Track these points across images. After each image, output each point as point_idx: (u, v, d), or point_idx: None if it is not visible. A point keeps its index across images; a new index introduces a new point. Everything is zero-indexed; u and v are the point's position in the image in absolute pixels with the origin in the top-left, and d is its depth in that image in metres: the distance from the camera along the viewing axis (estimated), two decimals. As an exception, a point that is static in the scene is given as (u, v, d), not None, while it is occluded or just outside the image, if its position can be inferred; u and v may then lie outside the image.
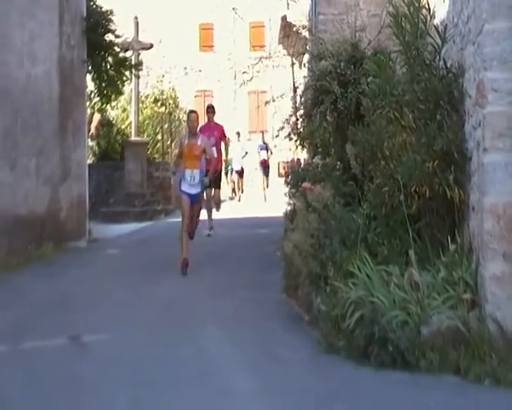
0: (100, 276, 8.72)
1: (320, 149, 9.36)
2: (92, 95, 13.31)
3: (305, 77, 10.96)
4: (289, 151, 17.71)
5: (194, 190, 8.63)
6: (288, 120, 9.34)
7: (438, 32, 5.98)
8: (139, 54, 16.37)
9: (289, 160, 17.51)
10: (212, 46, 30.46)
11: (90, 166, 13.45)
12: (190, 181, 8.58)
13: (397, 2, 6.15)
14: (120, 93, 13.92)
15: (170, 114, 20.14)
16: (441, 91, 5.77)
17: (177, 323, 6.28)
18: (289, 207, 10.10)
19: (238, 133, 21.79)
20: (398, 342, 4.75)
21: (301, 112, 9.16)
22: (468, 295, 5.01)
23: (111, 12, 12.55)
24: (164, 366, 5.06)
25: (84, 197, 11.93)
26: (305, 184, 8.61)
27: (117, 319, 6.48)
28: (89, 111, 14.54)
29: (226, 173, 20.07)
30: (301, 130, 9.15)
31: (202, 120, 11.44)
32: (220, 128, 11.85)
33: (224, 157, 12.76)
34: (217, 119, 12.28)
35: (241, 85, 20.47)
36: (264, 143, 21.77)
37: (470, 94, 5.42)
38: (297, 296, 6.85)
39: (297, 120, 9.27)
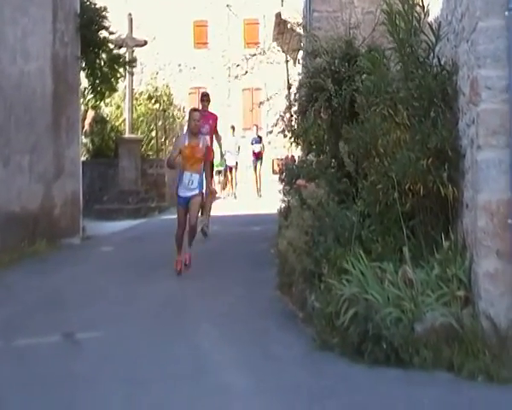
0: (94, 273, 8.70)
1: (314, 147, 9.37)
2: (86, 92, 13.25)
3: (299, 74, 10.96)
4: (283, 148, 17.70)
5: (190, 193, 8.10)
6: (282, 117, 9.34)
7: (432, 29, 5.99)
8: (133, 51, 16.31)
9: (283, 157, 17.54)
10: (206, 43, 30.41)
11: (83, 163, 13.39)
12: (188, 185, 8.04)
13: (391, -1, 6.15)
14: (114, 90, 13.87)
15: (164, 111, 20.10)
16: (435, 89, 5.78)
17: (172, 320, 6.28)
18: (283, 205, 10.11)
19: (233, 127, 21.43)
20: (392, 339, 4.76)
21: (295, 109, 9.16)
22: (461, 293, 5.02)
23: (105, 9, 12.50)
24: (158, 363, 5.06)
25: (78, 194, 11.89)
26: (300, 182, 8.63)
27: (111, 316, 6.47)
28: (82, 108, 14.46)
29: (220, 171, 19.93)
30: (295, 127, 9.14)
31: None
32: (215, 118, 11.18)
33: (218, 155, 11.84)
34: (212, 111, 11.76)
35: (236, 78, 20.29)
36: (259, 136, 21.61)
37: (464, 91, 5.43)
38: (291, 294, 6.86)
39: (291, 117, 9.27)
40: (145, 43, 17.35)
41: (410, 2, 6.00)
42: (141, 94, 20.52)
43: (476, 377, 4.51)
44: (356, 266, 5.49)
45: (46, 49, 10.83)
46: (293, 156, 14.38)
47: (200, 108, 10.92)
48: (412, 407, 4.22)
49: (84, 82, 13.00)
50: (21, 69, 10.02)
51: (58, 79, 11.14)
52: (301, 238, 6.81)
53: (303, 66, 10.64)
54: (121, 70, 13.38)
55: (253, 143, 21.37)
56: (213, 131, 10.93)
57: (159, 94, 21.08)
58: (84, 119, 16.54)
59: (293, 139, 9.39)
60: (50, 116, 10.91)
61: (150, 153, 18.99)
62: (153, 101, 20.42)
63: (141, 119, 18.99)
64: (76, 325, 6.06)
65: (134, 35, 16.86)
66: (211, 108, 11.26)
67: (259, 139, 21.29)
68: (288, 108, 9.43)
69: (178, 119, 21.42)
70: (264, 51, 21.88)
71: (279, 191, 10.85)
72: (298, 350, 5.28)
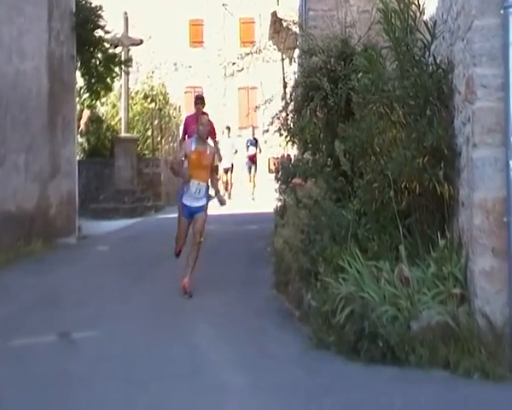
0: (90, 273, 8.69)
1: (310, 145, 9.35)
2: (81, 91, 13.24)
3: (295, 73, 10.95)
4: (279, 147, 17.66)
5: (197, 203, 7.35)
6: (277, 116, 9.33)
7: (427, 28, 6.00)
8: (129, 50, 16.29)
9: (279, 156, 17.51)
10: (201, 42, 30.41)
11: (79, 162, 13.38)
12: (195, 193, 7.31)
13: (387, -2, 6.15)
14: (110, 89, 13.86)
15: (160, 110, 20.07)
16: (431, 87, 5.79)
17: (168, 320, 6.28)
18: (279, 203, 10.10)
19: (228, 128, 20.95)
20: (388, 337, 4.77)
21: (291, 108, 9.16)
22: (457, 290, 5.04)
23: (100, 8, 12.48)
24: (155, 362, 5.06)
25: (74, 194, 11.87)
26: (296, 180, 8.63)
27: (107, 315, 6.47)
28: (78, 107, 14.46)
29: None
30: (291, 126, 9.14)
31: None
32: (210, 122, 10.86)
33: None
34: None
35: (231, 75, 20.13)
36: (254, 138, 21.35)
37: (459, 90, 5.44)
38: (287, 292, 6.86)
39: (287, 115, 9.26)
40: (141, 42, 17.34)
41: (406, 0, 6.01)
42: (137, 93, 20.49)
43: (472, 375, 4.53)
44: (352, 264, 5.49)
45: (42, 48, 10.81)
46: (289, 155, 14.37)
47: (194, 111, 10.11)
48: (408, 404, 4.23)
49: (80, 81, 12.97)
50: (17, 68, 10.00)
51: (54, 78, 11.11)
52: (297, 237, 6.81)
53: (299, 65, 10.62)
54: (117, 69, 13.37)
55: (248, 146, 20.82)
56: (210, 137, 10.16)
57: (154, 93, 21.04)
58: (80, 118, 16.52)
59: (289, 138, 9.38)
60: (46, 115, 10.89)
61: (146, 152, 18.97)
62: (148, 100, 20.38)
63: (137, 118, 18.96)
64: (72, 325, 6.06)
65: (130, 34, 16.84)
66: (207, 112, 10.70)
67: (255, 142, 20.92)
68: (284, 106, 9.42)
69: (174, 118, 21.39)
70: (259, 50, 21.81)
71: (275, 190, 10.84)
72: (294, 349, 5.29)
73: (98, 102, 15.49)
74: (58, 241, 10.83)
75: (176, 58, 29.75)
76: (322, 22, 10.71)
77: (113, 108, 18.71)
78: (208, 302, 6.88)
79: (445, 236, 5.49)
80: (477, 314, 4.83)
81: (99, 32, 12.56)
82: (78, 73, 12.58)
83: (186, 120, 10.40)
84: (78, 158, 13.38)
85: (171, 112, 21.53)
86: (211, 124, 9.85)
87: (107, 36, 12.93)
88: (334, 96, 7.91)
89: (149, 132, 19.23)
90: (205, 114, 7.62)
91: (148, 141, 19.18)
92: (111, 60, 12.99)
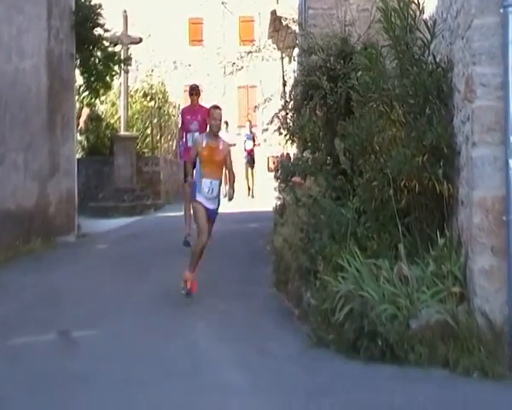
0: (89, 271, 8.69)
1: (310, 144, 9.36)
2: (81, 89, 13.22)
3: (294, 71, 10.94)
4: (279, 146, 17.64)
5: (210, 205, 6.96)
6: (277, 115, 9.33)
7: (427, 26, 5.99)
8: (128, 48, 16.27)
9: (279, 154, 17.48)
10: (201, 40, 30.39)
11: (78, 160, 13.37)
12: (208, 193, 6.89)
13: (386, -4, 6.15)
14: (109, 87, 13.85)
15: (159, 108, 20.06)
16: (430, 86, 5.79)
17: (168, 318, 6.27)
18: (279, 202, 10.10)
19: (226, 123, 20.65)
20: (388, 335, 4.78)
21: (291, 106, 9.16)
22: (456, 289, 5.04)
23: (100, 6, 12.47)
24: (154, 361, 5.06)
25: (73, 192, 11.87)
26: (295, 179, 8.63)
27: (107, 314, 6.46)
28: (77, 105, 14.44)
29: None
30: (291, 124, 9.14)
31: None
32: (205, 111, 9.34)
33: None
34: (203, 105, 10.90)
35: (230, 74, 20.05)
36: (251, 132, 21.20)
37: (459, 88, 5.44)
38: (287, 291, 6.87)
39: (287, 114, 9.26)
40: (140, 40, 17.32)
41: (406, -1, 6.01)
42: (136, 91, 20.47)
43: (471, 374, 4.54)
44: (351, 262, 5.50)
45: (41, 47, 10.80)
46: (288, 154, 14.37)
47: (189, 102, 10.25)
48: (408, 403, 4.23)
49: (79, 79, 12.96)
50: (16, 67, 9.99)
51: (53, 76, 11.11)
52: (297, 235, 6.82)
53: (298, 63, 10.62)
54: (116, 67, 13.36)
55: (245, 141, 20.73)
56: (205, 125, 9.51)
57: (154, 91, 21.03)
58: (79, 116, 16.50)
59: (288, 137, 9.39)
60: (45, 114, 10.88)
61: (145, 150, 18.95)
62: (148, 98, 20.37)
63: (136, 116, 18.95)
64: (72, 323, 6.06)
65: (129, 32, 16.82)
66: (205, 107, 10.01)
67: (252, 136, 20.80)
68: (284, 105, 9.42)
69: (174, 116, 21.37)
70: (259, 49, 21.78)
71: (274, 189, 10.84)
72: (294, 347, 5.29)
73: (97, 101, 15.48)
74: (57, 239, 10.83)
75: (175, 56, 29.73)
76: (322, 21, 10.71)
77: (113, 106, 18.70)
78: (208, 301, 6.87)
79: (445, 234, 5.49)
80: (476, 313, 4.83)
81: (98, 31, 12.55)
82: (77, 72, 12.57)
83: (182, 111, 10.66)
84: (77, 156, 13.37)
85: (170, 110, 21.53)
86: (204, 111, 9.54)
87: (107, 34, 12.91)
88: (334, 95, 7.91)
89: (149, 131, 19.22)
90: (218, 108, 7.31)
91: (148, 139, 19.17)
92: (110, 58, 12.98)
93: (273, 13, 18.64)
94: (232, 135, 21.65)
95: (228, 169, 7.21)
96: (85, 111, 17.40)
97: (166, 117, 20.63)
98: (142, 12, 26.32)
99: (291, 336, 5.59)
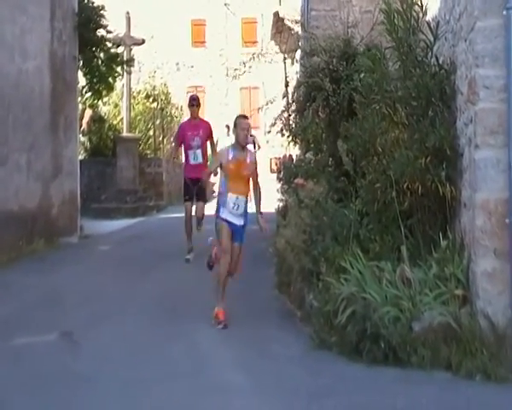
0: (91, 272, 8.69)
1: (312, 145, 9.36)
2: (84, 90, 13.25)
3: (297, 72, 10.94)
4: (281, 147, 17.63)
5: (237, 221, 6.34)
6: (280, 116, 9.33)
7: (430, 28, 5.99)
8: (131, 49, 16.32)
9: (281, 156, 17.47)
10: (204, 42, 30.41)
11: (81, 162, 13.40)
12: (233, 209, 6.29)
13: (389, -2, 6.15)
14: (112, 89, 13.87)
15: (162, 109, 20.09)
16: (433, 88, 5.79)
17: (170, 319, 6.27)
18: (281, 204, 10.09)
19: (227, 126, 20.55)
20: (390, 338, 4.77)
21: (293, 108, 9.16)
22: (459, 292, 5.03)
23: (102, 7, 12.50)
24: (157, 362, 5.06)
25: (76, 193, 11.89)
26: (298, 180, 8.62)
27: (109, 314, 6.46)
28: (80, 107, 14.47)
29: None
30: (293, 126, 9.14)
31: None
32: (207, 126, 9.47)
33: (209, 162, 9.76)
34: (209, 115, 10.66)
35: (233, 79, 20.04)
36: (251, 135, 20.91)
37: (462, 91, 5.44)
38: (289, 293, 6.86)
39: (289, 116, 9.26)
40: (143, 41, 17.35)
41: (409, 1, 6.00)
42: (139, 93, 20.50)
43: (474, 376, 4.53)
44: (354, 264, 5.49)
45: (44, 48, 10.82)
46: (291, 155, 14.37)
47: (189, 114, 9.69)
48: (410, 406, 4.22)
49: (82, 81, 12.98)
50: (19, 68, 10.01)
51: (56, 77, 11.13)
52: (299, 237, 6.81)
53: (301, 65, 10.63)
54: (119, 69, 13.39)
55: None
56: (207, 142, 9.49)
57: (156, 93, 21.06)
58: (82, 117, 16.53)
59: (291, 138, 9.39)
60: (48, 115, 10.90)
61: (148, 152, 18.98)
62: (150, 99, 20.40)
63: (139, 117, 18.97)
64: (74, 324, 6.06)
65: (132, 34, 16.85)
66: (209, 112, 9.81)
67: (252, 139, 20.50)
68: (286, 107, 9.42)
69: (176, 117, 21.39)
70: (261, 51, 21.76)
71: (277, 190, 10.84)
72: (296, 349, 5.29)
73: (100, 102, 15.52)
74: (60, 240, 10.84)
75: (178, 58, 29.76)
76: (325, 22, 10.71)
77: (115, 107, 18.73)
78: (210, 301, 6.86)
79: (447, 237, 5.49)
80: (479, 315, 4.83)
81: (101, 32, 12.58)
82: (80, 73, 12.60)
83: (181, 127, 9.81)
84: (80, 158, 13.39)
85: (173, 112, 21.55)
86: (209, 126, 9.52)
87: (110, 35, 12.95)
88: (337, 97, 7.92)
89: (151, 132, 19.24)
90: (245, 117, 6.85)
91: (150, 140, 19.19)
92: (113, 59, 13.01)
93: (276, 14, 18.66)
94: (232, 137, 21.53)
95: (254, 183, 6.57)
96: (88, 112, 17.43)
97: (169, 118, 20.65)
98: (144, 13, 26.35)
99: (293, 337, 5.59)
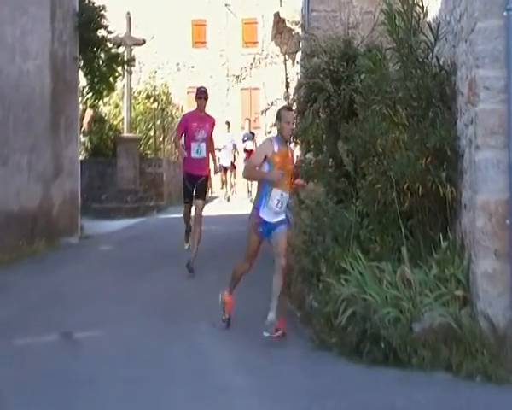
0: (92, 272, 8.70)
1: (313, 146, 9.36)
2: (84, 91, 13.26)
3: (297, 73, 10.94)
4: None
5: (277, 218, 5.85)
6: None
7: (431, 29, 6.00)
8: (131, 50, 16.33)
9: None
10: (204, 42, 30.39)
11: (82, 162, 13.40)
12: (277, 206, 5.79)
13: (390, -1, 6.16)
14: (112, 89, 13.87)
15: (162, 110, 20.10)
16: (434, 89, 5.79)
17: (170, 320, 6.27)
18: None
19: (228, 123, 19.99)
20: (391, 338, 4.77)
21: (294, 109, 9.15)
22: (459, 293, 5.04)
23: (103, 7, 12.50)
24: (157, 363, 5.06)
25: (77, 193, 11.89)
26: (298, 181, 8.62)
27: (110, 315, 6.47)
28: (81, 107, 14.48)
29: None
30: (294, 126, 9.13)
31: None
32: (213, 122, 8.88)
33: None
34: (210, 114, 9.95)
35: (234, 85, 20.05)
36: (251, 132, 20.73)
37: (462, 91, 5.44)
38: (289, 293, 6.85)
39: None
40: (143, 42, 17.36)
41: (410, 2, 6.00)
42: (139, 93, 20.51)
43: (474, 377, 4.53)
44: (354, 265, 5.50)
45: (45, 48, 10.83)
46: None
47: (196, 106, 8.87)
48: (410, 406, 4.22)
49: (83, 81, 12.99)
50: (20, 68, 10.01)
51: (56, 78, 11.13)
52: (299, 238, 6.82)
53: (301, 66, 10.63)
54: (119, 69, 13.40)
55: (244, 140, 19.84)
56: (212, 136, 8.94)
57: (157, 93, 21.08)
58: (83, 118, 16.54)
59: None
60: (49, 115, 10.90)
61: (148, 152, 18.98)
62: (151, 100, 20.41)
63: (139, 118, 18.98)
64: (75, 325, 6.06)
65: (132, 34, 16.86)
66: (210, 112, 9.10)
67: (252, 136, 20.30)
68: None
69: (177, 118, 21.38)
70: (262, 53, 21.75)
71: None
72: (296, 350, 5.29)
73: (101, 102, 15.51)
74: (60, 240, 10.85)
75: (178, 58, 29.75)
76: (325, 23, 10.71)
77: (116, 107, 18.73)
78: (210, 302, 6.86)
79: (448, 238, 5.49)
80: (479, 317, 4.83)
81: (102, 32, 12.58)
82: (80, 73, 12.60)
83: (185, 117, 9.06)
84: (80, 158, 13.40)
85: (173, 112, 21.56)
86: (215, 123, 8.91)
87: (110, 36, 12.95)
88: (337, 97, 7.92)
89: (152, 132, 19.25)
90: (290, 109, 6.39)
91: (151, 141, 19.20)
92: (114, 60, 13.01)
93: (276, 15, 18.68)
94: (233, 134, 21.40)
95: (295, 176, 6.33)
96: (89, 112, 17.43)
97: (169, 119, 20.65)
98: (145, 14, 26.36)
99: (293, 338, 5.58)
